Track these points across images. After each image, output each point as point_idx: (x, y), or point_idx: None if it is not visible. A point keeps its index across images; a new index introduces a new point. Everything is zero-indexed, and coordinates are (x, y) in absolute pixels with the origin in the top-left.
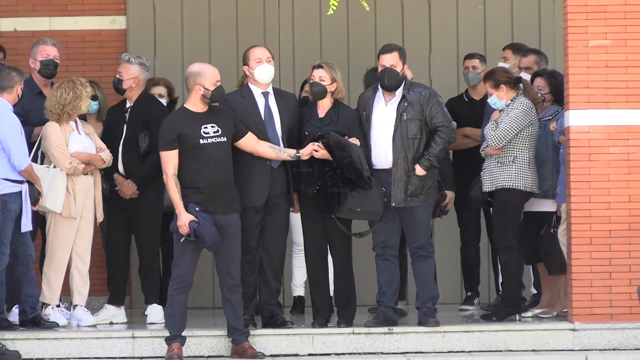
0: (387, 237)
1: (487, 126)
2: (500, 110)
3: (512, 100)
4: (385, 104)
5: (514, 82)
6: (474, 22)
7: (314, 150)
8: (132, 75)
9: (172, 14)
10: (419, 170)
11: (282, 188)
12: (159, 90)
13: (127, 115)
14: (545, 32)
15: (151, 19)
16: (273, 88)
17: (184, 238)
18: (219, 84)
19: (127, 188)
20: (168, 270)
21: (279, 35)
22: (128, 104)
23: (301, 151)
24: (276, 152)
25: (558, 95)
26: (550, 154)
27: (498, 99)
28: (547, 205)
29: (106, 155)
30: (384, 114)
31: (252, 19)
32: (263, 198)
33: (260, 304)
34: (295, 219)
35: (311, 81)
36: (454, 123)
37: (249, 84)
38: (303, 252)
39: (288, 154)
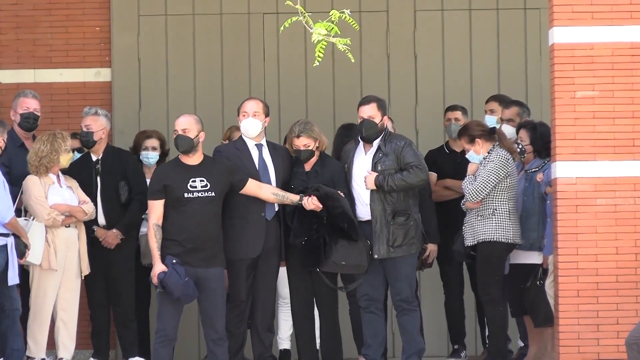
0: (371, 290)
1: (465, 180)
2: (479, 163)
3: (488, 153)
4: (364, 155)
5: (488, 134)
6: (460, 73)
7: (314, 204)
8: (101, 127)
9: (156, 65)
10: (369, 180)
11: (275, 241)
12: (152, 143)
13: (99, 167)
14: (532, 84)
15: (136, 70)
16: (266, 141)
17: (157, 289)
18: (182, 132)
19: (113, 238)
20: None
21: (264, 88)
22: (95, 157)
23: (304, 201)
24: (279, 197)
25: (539, 148)
26: (536, 206)
27: (475, 153)
28: (533, 258)
29: (88, 207)
30: (363, 165)
31: (237, 70)
32: (258, 250)
33: (254, 359)
34: (282, 271)
35: (296, 148)
36: (434, 175)
37: (243, 136)
38: (288, 304)
39: (291, 199)
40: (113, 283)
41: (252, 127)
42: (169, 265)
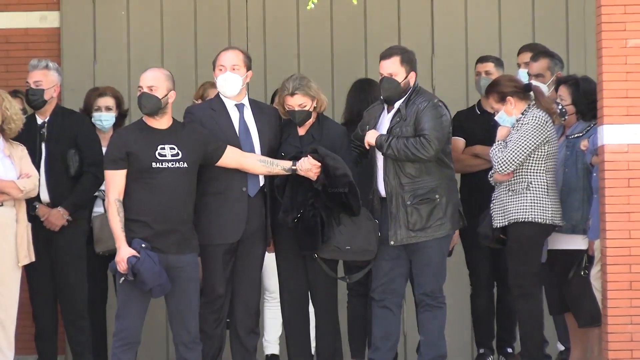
0: (389, 279)
1: (494, 146)
2: (511, 127)
3: (522, 114)
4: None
5: (522, 92)
6: (486, 17)
7: (312, 163)
8: (52, 83)
9: (115, 7)
10: (370, 136)
11: (260, 222)
12: (105, 102)
13: (44, 132)
14: (574, 31)
15: (90, 14)
16: (250, 100)
17: (122, 278)
18: (141, 90)
19: (58, 217)
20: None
21: (246, 36)
22: (40, 120)
23: (298, 164)
24: (267, 165)
25: (582, 108)
26: (580, 180)
27: (506, 114)
28: (576, 242)
29: (26, 183)
30: (384, 130)
31: (215, 14)
32: (239, 233)
33: None
34: (267, 259)
35: (289, 109)
36: (462, 141)
37: (220, 95)
38: (277, 300)
39: (282, 166)
40: (60, 274)
41: (230, 84)
42: (140, 250)
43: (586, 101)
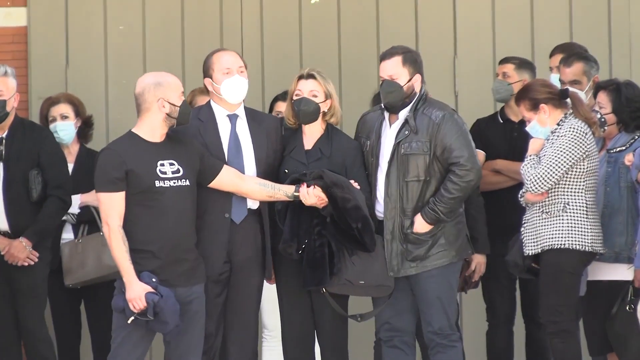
0: (394, 317)
1: (525, 162)
2: (545, 139)
3: (558, 125)
4: (390, 129)
5: (558, 99)
6: (516, 13)
7: (317, 195)
8: (13, 91)
9: (91, 3)
10: (419, 224)
11: (253, 250)
12: (60, 110)
13: (1, 149)
14: (617, 29)
15: (61, 10)
16: (245, 109)
17: (133, 317)
18: (183, 97)
19: (20, 249)
20: None
21: (241, 35)
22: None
23: (301, 194)
24: (267, 190)
25: (625, 118)
26: (623, 200)
27: (539, 124)
28: (620, 272)
29: None
30: (388, 145)
31: (205, 13)
32: (217, 265)
33: None
34: (266, 293)
35: (297, 97)
36: (482, 153)
37: (212, 103)
38: (277, 339)
39: (285, 192)
40: (22, 312)
41: (241, 88)
42: (159, 287)
43: (629, 109)
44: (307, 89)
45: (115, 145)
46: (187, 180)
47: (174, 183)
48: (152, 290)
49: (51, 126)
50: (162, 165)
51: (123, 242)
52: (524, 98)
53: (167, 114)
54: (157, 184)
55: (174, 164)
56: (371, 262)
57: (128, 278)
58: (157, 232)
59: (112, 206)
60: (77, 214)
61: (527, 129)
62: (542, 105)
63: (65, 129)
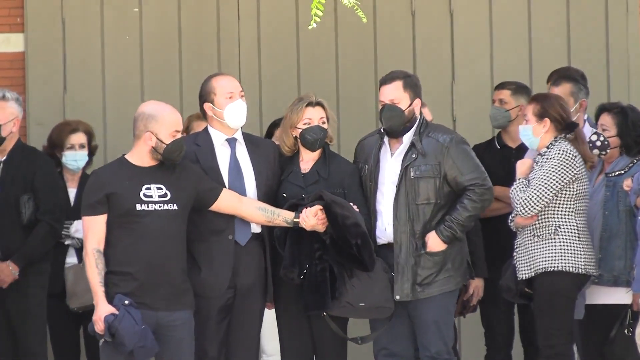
0: (391, 342)
1: (514, 185)
2: (534, 160)
3: (547, 148)
4: (391, 155)
5: (565, 126)
6: (514, 39)
7: (319, 219)
8: (11, 116)
9: (88, 28)
10: (434, 243)
11: (257, 275)
12: (79, 139)
13: None
14: (615, 52)
15: (59, 36)
16: (243, 134)
17: (102, 340)
18: (178, 135)
19: (6, 273)
20: None
21: (238, 61)
22: None
23: (301, 219)
24: (267, 214)
25: (629, 141)
26: (622, 224)
27: (532, 132)
28: (618, 296)
29: None
30: (390, 169)
31: (201, 35)
32: (222, 286)
33: None
34: (265, 317)
35: (309, 125)
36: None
37: (209, 128)
38: None
39: (284, 218)
40: (18, 335)
41: (244, 112)
42: (120, 307)
43: (635, 133)
44: (317, 116)
45: (101, 169)
46: (175, 205)
47: (160, 207)
48: (114, 311)
49: (68, 153)
50: (148, 189)
51: (96, 265)
52: (538, 102)
53: (152, 147)
54: (139, 207)
55: (161, 188)
56: (371, 284)
57: (96, 300)
58: (136, 254)
59: (91, 229)
60: (81, 238)
61: (520, 127)
62: (547, 119)
63: (82, 159)
